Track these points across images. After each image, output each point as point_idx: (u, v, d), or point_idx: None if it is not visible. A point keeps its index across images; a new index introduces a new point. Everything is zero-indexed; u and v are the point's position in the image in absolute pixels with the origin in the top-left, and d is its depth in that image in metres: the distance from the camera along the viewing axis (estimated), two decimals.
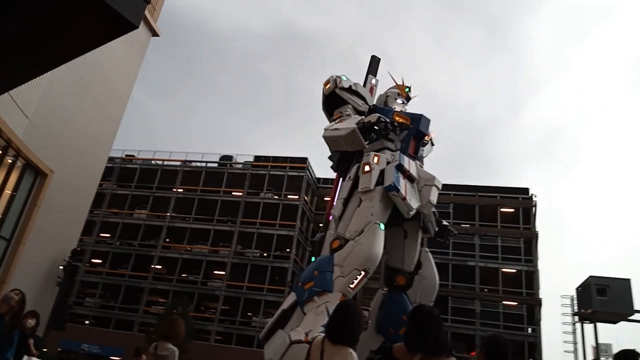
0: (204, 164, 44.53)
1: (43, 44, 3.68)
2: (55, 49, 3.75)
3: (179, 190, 43.03)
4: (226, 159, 45.23)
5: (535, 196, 40.78)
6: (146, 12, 14.28)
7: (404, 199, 6.68)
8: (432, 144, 8.47)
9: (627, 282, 27.88)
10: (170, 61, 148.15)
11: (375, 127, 6.82)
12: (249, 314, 38.87)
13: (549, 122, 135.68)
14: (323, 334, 3.19)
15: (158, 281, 39.78)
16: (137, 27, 3.18)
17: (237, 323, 37.38)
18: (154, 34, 17.03)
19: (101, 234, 42.30)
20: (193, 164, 44.85)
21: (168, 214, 41.74)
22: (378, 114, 7.07)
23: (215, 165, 44.66)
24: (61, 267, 14.46)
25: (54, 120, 12.90)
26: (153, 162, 45.75)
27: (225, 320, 38.03)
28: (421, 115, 7.69)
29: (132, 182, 43.36)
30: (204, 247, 40.68)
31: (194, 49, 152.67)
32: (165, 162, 45.23)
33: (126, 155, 45.90)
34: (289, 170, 41.98)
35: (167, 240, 41.71)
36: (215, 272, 40.46)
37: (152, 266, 40.00)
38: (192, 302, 36.95)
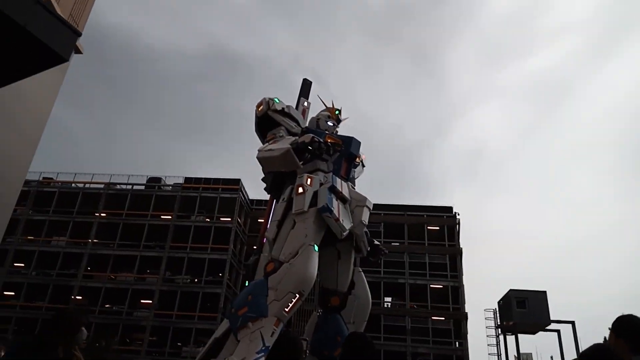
0: (129, 187, 42.64)
1: None
2: None
3: (102, 214, 40.82)
4: (154, 181, 43.59)
5: (459, 214, 42.89)
6: None
7: (337, 220, 6.76)
8: (363, 166, 8.68)
9: (543, 294, 29.86)
10: (97, 80, 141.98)
11: (309, 148, 6.87)
12: (179, 344, 37.22)
13: (472, 144, 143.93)
14: None
15: None
16: (67, 61, 3.07)
17: (166, 354, 35.66)
18: (77, 51, 16.27)
19: (15, 264, 39.04)
20: (118, 186, 42.81)
21: (90, 240, 39.39)
22: (312, 135, 7.15)
23: (142, 187, 42.90)
24: None
25: None
26: (73, 185, 43.17)
27: (153, 351, 36.14)
28: (352, 137, 7.87)
29: (50, 206, 40.59)
30: (129, 275, 38.66)
31: (123, 68, 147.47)
32: (87, 185, 42.84)
33: (44, 178, 42.98)
34: (221, 192, 41.22)
35: (89, 268, 39.27)
36: (142, 301, 38.49)
37: (72, 297, 37.38)
38: (117, 335, 34.87)
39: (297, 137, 7.38)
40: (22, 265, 39.35)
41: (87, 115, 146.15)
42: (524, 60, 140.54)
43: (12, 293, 38.34)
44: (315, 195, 6.97)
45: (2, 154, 13.57)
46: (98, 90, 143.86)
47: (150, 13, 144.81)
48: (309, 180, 7.05)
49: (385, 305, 40.14)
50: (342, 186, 7.33)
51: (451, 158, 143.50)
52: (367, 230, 7.52)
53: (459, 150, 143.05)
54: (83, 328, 3.19)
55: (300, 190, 6.96)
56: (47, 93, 15.64)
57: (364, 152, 8.35)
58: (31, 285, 38.04)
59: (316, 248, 6.58)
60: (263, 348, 5.70)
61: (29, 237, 40.01)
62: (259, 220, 37.55)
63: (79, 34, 3.28)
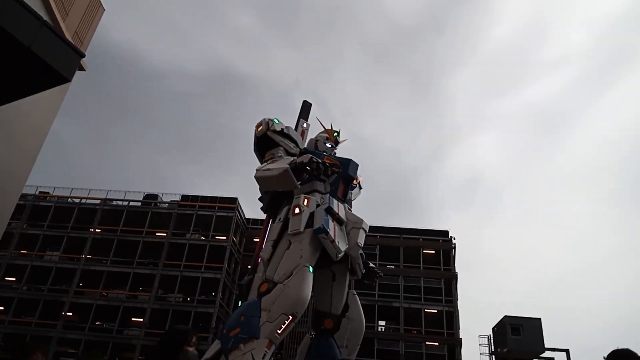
0: (126, 203, 42.51)
1: None
2: None
3: (97, 230, 40.59)
4: (151, 197, 43.52)
5: (455, 238, 42.86)
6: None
7: (332, 241, 6.75)
8: (360, 188, 8.71)
9: (538, 321, 29.64)
10: (98, 96, 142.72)
11: (308, 168, 6.89)
12: None
13: (469, 170, 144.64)
14: None
15: (68, 330, 36.66)
16: (70, 81, 3.14)
17: None
18: (80, 68, 16.41)
19: (6, 278, 38.60)
20: (114, 202, 42.68)
21: (83, 255, 39.06)
22: (310, 155, 7.20)
23: (139, 204, 42.77)
24: None
25: None
26: (70, 199, 43.03)
27: None
28: (350, 159, 7.93)
29: (45, 221, 40.36)
30: (121, 292, 38.25)
31: (124, 85, 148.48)
32: (83, 200, 42.69)
33: (40, 192, 42.85)
34: (217, 211, 41.11)
35: (81, 284, 38.86)
36: (133, 319, 38.00)
37: (63, 313, 36.89)
38: (106, 353, 34.32)
39: (295, 158, 7.43)
40: (14, 279, 38.92)
41: (85, 131, 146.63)
42: (522, 89, 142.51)
43: (2, 308, 37.82)
44: (311, 216, 6.98)
45: (0, 166, 13.56)
46: (98, 106, 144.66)
47: (153, 32, 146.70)
48: (305, 200, 7.07)
49: (379, 329, 39.74)
50: (339, 208, 7.35)
51: (448, 184, 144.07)
52: (362, 252, 7.51)
53: (456, 176, 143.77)
54: (190, 348, 2.93)
55: (297, 210, 6.97)
56: (48, 110, 15.73)
57: (361, 174, 8.40)
58: (21, 300, 37.55)
59: (311, 269, 6.56)
60: None
61: (22, 251, 39.67)
62: (255, 240, 37.37)
63: (82, 55, 3.36)
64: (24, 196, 35.09)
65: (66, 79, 3.15)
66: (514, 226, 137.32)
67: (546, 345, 28.81)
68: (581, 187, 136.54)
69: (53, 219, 40.56)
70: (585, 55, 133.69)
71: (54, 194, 43.44)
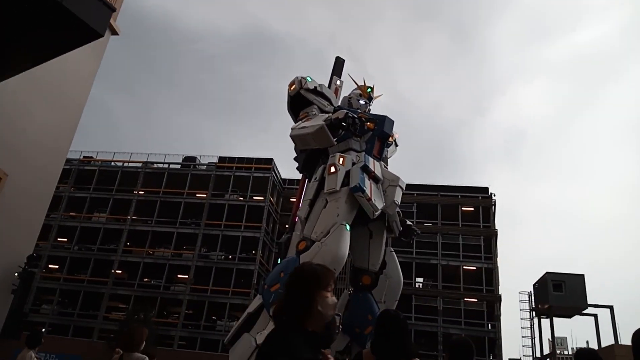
0: (166, 165, 43.62)
1: (7, 51, 3.57)
2: (19, 56, 3.64)
3: (140, 192, 41.99)
4: (189, 160, 44.45)
5: (495, 195, 41.98)
6: None
7: (369, 199, 6.72)
8: (396, 145, 8.56)
9: (581, 277, 29.05)
10: (135, 61, 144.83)
11: (343, 123, 6.80)
12: (214, 317, 38.32)
13: (514, 123, 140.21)
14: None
15: (118, 286, 38.72)
16: (102, 36, 3.14)
17: (202, 327, 36.80)
18: (113, 32, 16.55)
19: (58, 239, 40.82)
20: (155, 165, 43.86)
21: (129, 217, 40.68)
22: (345, 110, 7.08)
23: (178, 166, 43.82)
24: (16, 274, 13.84)
25: (7, 121, 12.34)
26: (113, 163, 44.49)
27: (189, 324, 37.37)
28: (385, 116, 7.75)
29: (90, 184, 42.04)
30: (166, 251, 39.85)
31: (161, 49, 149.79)
32: (126, 164, 44.06)
33: (84, 157, 44.46)
34: (254, 172, 41.67)
35: (128, 244, 40.66)
36: (178, 275, 39.70)
37: (112, 271, 38.89)
38: (154, 308, 36.16)
39: (330, 114, 7.33)
40: (65, 240, 41.08)
41: (127, 97, 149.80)
42: (570, 35, 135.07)
43: (57, 266, 40.22)
44: (347, 174, 6.94)
45: (45, 132, 14.08)
46: (138, 72, 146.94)
47: None
48: (341, 159, 7.01)
49: (417, 286, 40.06)
50: (375, 166, 7.27)
51: (491, 138, 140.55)
52: (399, 210, 7.45)
53: (500, 130, 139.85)
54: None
55: (333, 169, 6.93)
56: (86, 73, 16.03)
57: (398, 131, 8.22)
58: (74, 259, 39.76)
59: (348, 227, 6.57)
60: None
61: (71, 214, 41.65)
62: (291, 200, 37.84)
63: (113, 9, 3.34)
64: (69, 161, 36.47)
65: (99, 34, 3.15)
66: (556, 181, 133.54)
67: (589, 302, 28.35)
68: (627, 138, 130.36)
69: (98, 182, 42.18)
70: None
71: (98, 158, 44.98)
